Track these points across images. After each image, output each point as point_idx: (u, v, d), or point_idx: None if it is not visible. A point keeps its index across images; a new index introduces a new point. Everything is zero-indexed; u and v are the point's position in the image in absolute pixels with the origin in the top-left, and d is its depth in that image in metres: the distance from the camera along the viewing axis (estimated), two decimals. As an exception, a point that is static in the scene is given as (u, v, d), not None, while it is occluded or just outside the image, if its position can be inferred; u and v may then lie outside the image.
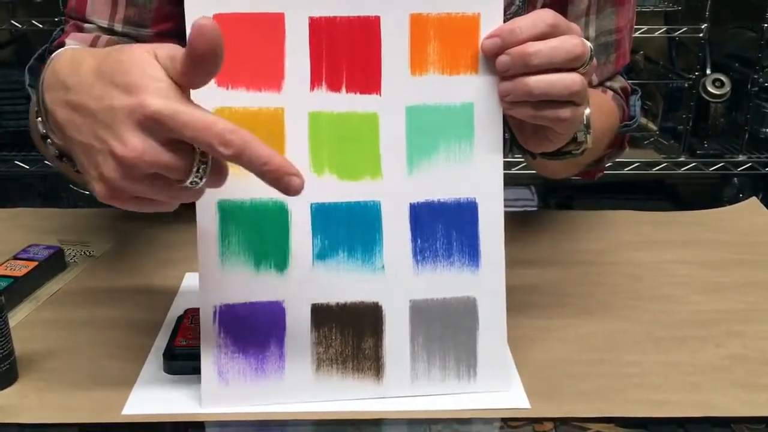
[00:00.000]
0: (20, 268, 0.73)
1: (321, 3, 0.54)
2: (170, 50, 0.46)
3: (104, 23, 0.77)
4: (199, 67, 0.45)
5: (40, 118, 0.53)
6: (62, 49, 0.52)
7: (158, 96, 0.44)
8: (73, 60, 0.49)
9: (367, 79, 0.55)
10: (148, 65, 0.45)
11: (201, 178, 0.47)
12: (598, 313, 0.71)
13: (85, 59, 0.48)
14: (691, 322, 0.70)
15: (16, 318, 0.68)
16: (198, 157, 0.46)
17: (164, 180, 0.46)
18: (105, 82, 0.46)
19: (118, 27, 0.77)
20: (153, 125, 0.44)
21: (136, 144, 0.44)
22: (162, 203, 0.48)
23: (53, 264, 0.77)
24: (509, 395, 0.58)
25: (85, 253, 0.83)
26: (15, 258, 0.76)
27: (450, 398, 0.58)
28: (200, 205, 0.55)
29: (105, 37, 0.77)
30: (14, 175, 1.93)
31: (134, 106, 0.44)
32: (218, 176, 0.48)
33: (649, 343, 0.66)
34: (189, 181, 0.46)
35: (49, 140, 0.55)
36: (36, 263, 0.75)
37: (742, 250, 0.86)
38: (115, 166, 0.45)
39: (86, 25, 0.77)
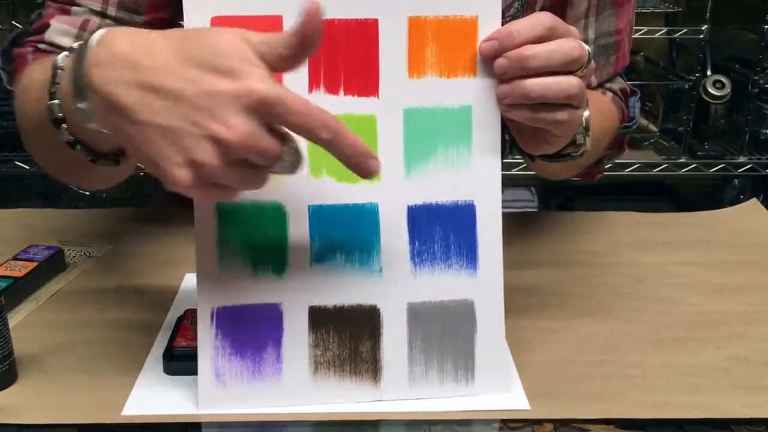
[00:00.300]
0: (20, 269, 0.73)
1: (319, 5, 0.54)
2: (261, 35, 0.46)
3: (97, 6, 0.75)
4: (306, 51, 0.45)
5: (56, 101, 0.52)
6: (110, 29, 0.49)
7: (262, 81, 0.44)
8: (138, 40, 0.47)
9: (365, 82, 0.55)
10: (241, 49, 0.45)
11: (293, 164, 0.47)
12: (599, 315, 0.71)
13: (155, 40, 0.47)
14: (692, 324, 0.70)
15: (16, 318, 0.68)
16: (287, 142, 0.46)
17: (253, 166, 0.46)
18: (194, 65, 0.45)
19: (112, 11, 0.75)
20: (260, 110, 0.44)
21: (241, 127, 0.44)
22: (232, 191, 0.48)
23: (53, 264, 0.77)
24: (509, 396, 0.58)
25: (85, 253, 0.83)
26: (15, 258, 0.76)
27: (450, 399, 0.58)
28: (199, 206, 0.55)
29: (96, 21, 0.75)
30: (14, 175, 1.93)
31: (241, 92, 0.43)
32: (300, 162, 0.48)
33: (649, 345, 0.66)
34: (278, 167, 0.46)
35: (64, 125, 0.53)
36: (36, 263, 0.75)
37: (742, 252, 0.86)
38: (213, 150, 0.44)
39: (73, 8, 0.75)
